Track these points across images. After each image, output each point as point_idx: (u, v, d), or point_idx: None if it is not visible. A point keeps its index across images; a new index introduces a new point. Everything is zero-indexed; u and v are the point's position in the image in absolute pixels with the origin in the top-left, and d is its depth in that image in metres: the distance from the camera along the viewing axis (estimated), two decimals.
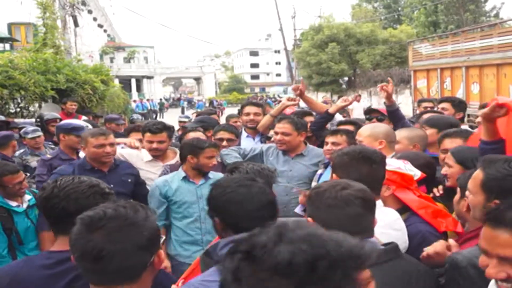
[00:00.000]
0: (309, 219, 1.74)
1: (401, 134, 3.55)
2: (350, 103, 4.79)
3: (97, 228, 1.46)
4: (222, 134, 4.52)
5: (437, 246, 2.01)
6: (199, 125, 5.02)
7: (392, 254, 1.79)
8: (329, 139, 3.79)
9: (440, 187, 2.86)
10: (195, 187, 3.64)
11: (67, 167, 3.88)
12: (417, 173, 2.55)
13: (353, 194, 1.71)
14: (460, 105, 5.04)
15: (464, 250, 1.86)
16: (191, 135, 4.28)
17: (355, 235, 1.00)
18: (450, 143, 3.11)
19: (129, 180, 3.98)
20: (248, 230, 1.73)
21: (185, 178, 3.66)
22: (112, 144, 3.85)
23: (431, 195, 2.79)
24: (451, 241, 2.08)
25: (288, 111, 5.16)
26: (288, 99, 4.90)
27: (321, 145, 4.16)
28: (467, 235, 2.17)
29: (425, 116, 4.42)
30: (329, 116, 4.57)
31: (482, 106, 4.90)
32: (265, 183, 2.26)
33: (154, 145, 4.18)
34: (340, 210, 1.68)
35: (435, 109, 5.21)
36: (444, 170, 2.82)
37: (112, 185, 3.68)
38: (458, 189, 2.31)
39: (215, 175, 3.65)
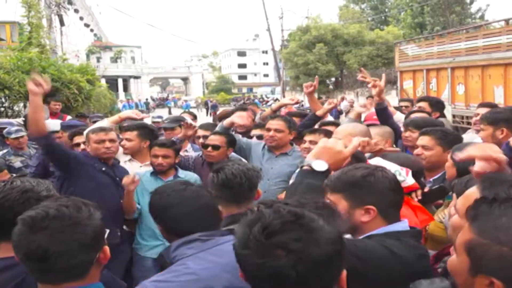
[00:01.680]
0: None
1: (374, 131, 3.62)
2: (336, 106, 4.81)
3: (40, 228, 1.44)
4: (199, 132, 4.81)
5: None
6: (177, 125, 5.14)
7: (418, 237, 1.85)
8: (308, 137, 3.87)
9: (419, 192, 2.87)
10: (162, 183, 3.68)
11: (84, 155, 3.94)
12: (409, 181, 2.56)
13: None
14: (437, 104, 5.15)
15: None
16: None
17: None
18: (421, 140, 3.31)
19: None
20: (190, 233, 1.82)
21: (153, 174, 3.93)
22: (112, 140, 3.85)
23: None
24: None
25: (283, 110, 5.54)
26: (329, 103, 4.95)
27: None
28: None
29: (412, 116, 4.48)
30: (317, 118, 4.65)
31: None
32: (250, 183, 2.28)
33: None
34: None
35: (414, 108, 5.27)
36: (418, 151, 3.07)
37: (118, 178, 3.82)
38: (454, 196, 2.22)
39: (186, 174, 3.91)
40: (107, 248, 1.59)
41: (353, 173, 1.81)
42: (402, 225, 1.79)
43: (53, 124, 5.43)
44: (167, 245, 1.91)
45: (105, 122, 4.35)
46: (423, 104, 5.02)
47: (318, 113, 4.64)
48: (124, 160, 4.30)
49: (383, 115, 4.28)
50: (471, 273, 1.20)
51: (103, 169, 3.81)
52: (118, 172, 3.93)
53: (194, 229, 1.84)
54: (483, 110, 4.41)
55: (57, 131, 5.26)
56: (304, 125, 4.61)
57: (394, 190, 1.81)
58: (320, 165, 1.90)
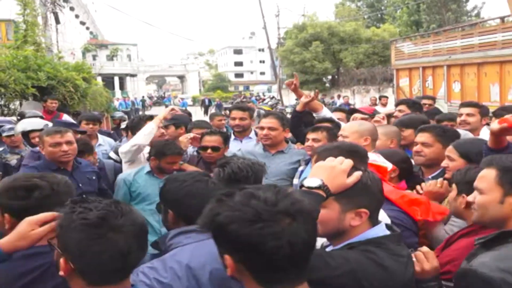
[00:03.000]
0: None
1: (379, 130, 3.63)
2: (313, 99, 4.61)
3: (113, 227, 1.43)
4: (194, 131, 4.74)
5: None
6: (171, 123, 5.05)
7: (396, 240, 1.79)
8: (310, 135, 3.82)
9: (423, 184, 2.89)
10: (158, 181, 3.77)
11: (30, 169, 3.62)
12: (389, 165, 2.60)
13: None
14: (414, 105, 5.37)
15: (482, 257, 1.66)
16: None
17: None
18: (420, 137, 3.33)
19: (94, 177, 3.95)
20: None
21: (149, 173, 3.93)
22: (69, 142, 3.67)
23: (414, 191, 2.82)
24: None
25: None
26: (306, 96, 4.76)
27: (302, 143, 4.19)
28: (463, 231, 2.18)
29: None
30: (298, 114, 4.48)
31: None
32: (256, 177, 2.31)
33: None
34: None
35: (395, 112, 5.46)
36: (445, 163, 2.94)
37: (80, 184, 3.65)
38: (454, 186, 2.35)
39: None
40: None
41: None
42: (381, 229, 1.74)
43: (34, 123, 5.33)
44: None
45: (151, 128, 4.23)
46: (402, 107, 5.26)
47: (297, 108, 4.49)
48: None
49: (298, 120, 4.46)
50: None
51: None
52: (78, 176, 3.74)
53: None
54: (466, 110, 4.59)
55: (38, 130, 5.16)
56: (290, 123, 4.50)
57: (381, 192, 1.79)
58: (312, 182, 1.67)
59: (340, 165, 1.73)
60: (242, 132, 4.96)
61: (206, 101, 39.28)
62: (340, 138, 3.37)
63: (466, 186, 2.20)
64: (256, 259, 1.28)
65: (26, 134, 5.23)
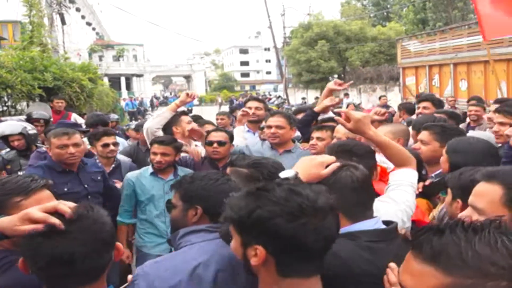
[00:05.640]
0: None
1: (386, 129, 3.66)
2: (338, 103, 4.72)
3: (60, 233, 1.41)
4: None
5: None
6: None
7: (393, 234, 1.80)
8: (315, 134, 3.88)
9: (421, 184, 2.88)
10: (163, 182, 3.89)
11: (36, 170, 3.65)
12: (390, 166, 2.57)
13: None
14: (439, 102, 5.54)
15: None
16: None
17: None
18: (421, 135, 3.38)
19: (99, 178, 3.97)
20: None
21: (153, 174, 3.93)
22: (76, 144, 3.68)
23: None
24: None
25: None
26: (331, 99, 4.71)
27: (306, 142, 4.22)
28: None
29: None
30: (315, 114, 4.57)
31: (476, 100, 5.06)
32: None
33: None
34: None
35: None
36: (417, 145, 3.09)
37: (86, 185, 3.72)
38: (449, 190, 2.25)
39: (186, 172, 3.82)
40: (120, 244, 1.58)
41: None
42: (368, 224, 1.75)
43: (12, 127, 5.29)
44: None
45: (164, 111, 4.30)
46: (427, 104, 5.35)
47: (316, 109, 4.57)
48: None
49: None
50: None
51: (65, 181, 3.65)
52: (84, 177, 3.80)
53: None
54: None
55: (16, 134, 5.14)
56: (302, 121, 4.58)
57: (357, 189, 1.77)
58: (286, 173, 1.80)
59: (319, 158, 1.84)
60: (256, 123, 4.91)
61: (234, 101, 37.85)
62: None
63: (459, 191, 2.09)
64: (292, 251, 1.35)
65: (5, 138, 5.21)
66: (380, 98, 15.59)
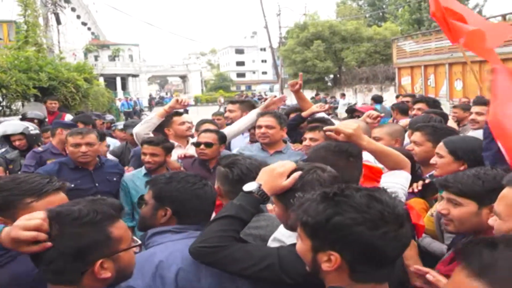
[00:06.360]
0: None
1: (383, 130, 3.73)
2: (325, 110, 4.71)
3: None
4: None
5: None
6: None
7: None
8: (308, 135, 3.87)
9: (420, 182, 2.88)
10: None
11: (52, 165, 3.87)
12: (379, 165, 2.57)
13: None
14: (434, 103, 5.60)
15: None
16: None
17: None
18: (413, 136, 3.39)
19: (114, 179, 4.00)
20: (193, 222, 1.97)
21: (146, 175, 3.87)
22: (89, 144, 3.78)
23: (410, 190, 2.80)
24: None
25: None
26: (320, 107, 4.78)
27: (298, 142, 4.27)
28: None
29: None
30: (301, 119, 4.61)
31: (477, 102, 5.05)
32: None
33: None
34: None
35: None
36: (434, 160, 2.88)
37: (97, 184, 3.81)
38: (464, 200, 2.07)
39: None
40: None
41: None
42: None
43: (15, 127, 5.33)
44: None
45: (152, 117, 4.35)
46: (421, 106, 5.51)
47: (304, 114, 4.59)
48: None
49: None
50: None
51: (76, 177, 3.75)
52: (98, 176, 3.89)
53: (199, 221, 2.00)
54: (477, 108, 4.58)
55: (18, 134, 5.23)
56: (288, 125, 4.49)
57: None
58: (249, 186, 1.81)
59: (279, 168, 1.80)
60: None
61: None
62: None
63: (486, 198, 1.94)
64: (372, 258, 1.31)
65: (7, 137, 5.21)
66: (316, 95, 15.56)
